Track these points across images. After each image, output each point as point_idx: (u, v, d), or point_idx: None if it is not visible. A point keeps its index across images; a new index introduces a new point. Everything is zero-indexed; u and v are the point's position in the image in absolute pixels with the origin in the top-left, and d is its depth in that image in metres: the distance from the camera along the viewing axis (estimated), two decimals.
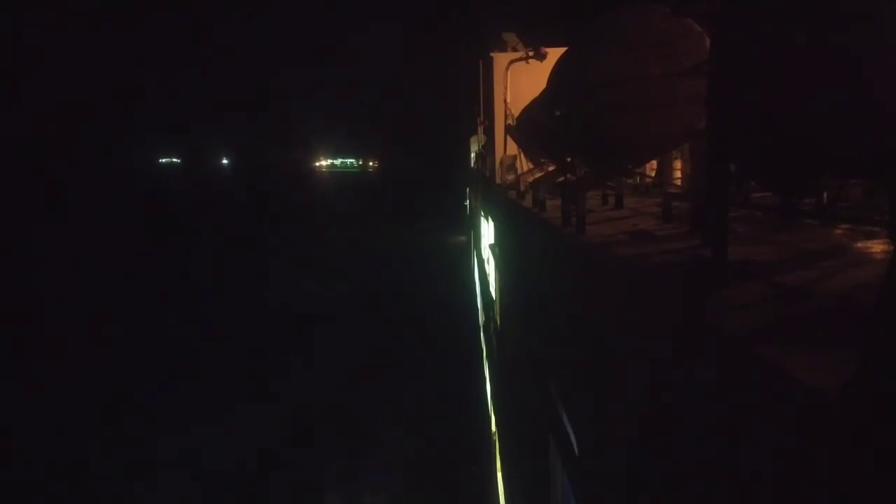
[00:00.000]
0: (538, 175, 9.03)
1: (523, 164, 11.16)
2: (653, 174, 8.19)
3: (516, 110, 10.71)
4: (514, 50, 13.53)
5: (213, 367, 28.87)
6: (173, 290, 43.34)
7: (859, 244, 3.45)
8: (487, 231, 18.35)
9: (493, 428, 15.59)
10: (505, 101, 12.40)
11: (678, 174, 7.41)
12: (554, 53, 11.54)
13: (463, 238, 48.19)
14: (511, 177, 11.30)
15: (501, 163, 12.70)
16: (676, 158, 7.40)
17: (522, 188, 9.10)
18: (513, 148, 11.60)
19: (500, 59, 13.34)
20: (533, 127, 8.30)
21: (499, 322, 14.95)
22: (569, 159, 7.31)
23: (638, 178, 8.25)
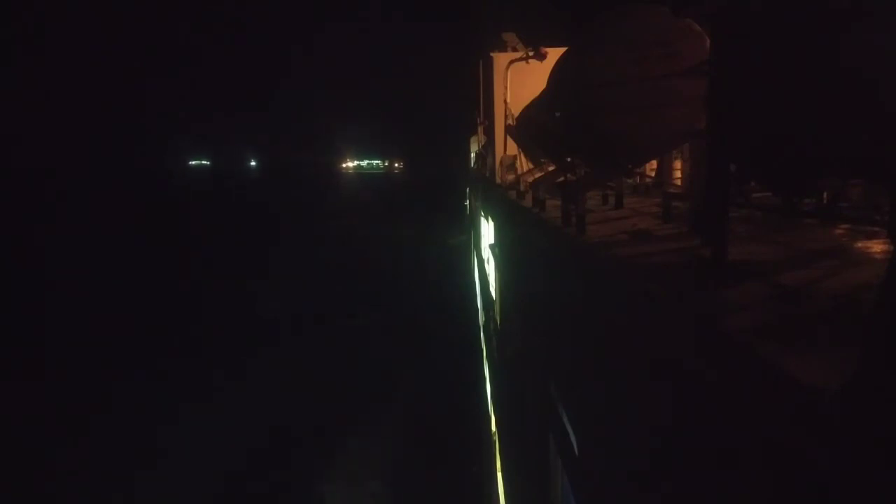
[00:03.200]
0: (538, 175, 9.02)
1: (523, 164, 11.15)
2: (653, 174, 8.19)
3: (516, 110, 10.70)
4: (514, 50, 13.53)
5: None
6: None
7: (859, 244, 3.45)
8: (487, 231, 18.35)
9: (493, 428, 15.59)
10: (505, 101, 12.40)
11: (678, 174, 7.41)
12: (554, 53, 11.53)
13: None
14: (511, 177, 11.29)
15: (501, 163, 12.69)
16: (676, 158, 7.39)
17: (522, 188, 9.10)
18: (513, 148, 11.59)
19: (500, 59, 13.33)
20: (533, 127, 8.30)
21: (499, 322, 14.95)
22: (569, 159, 7.31)
23: (638, 178, 8.25)
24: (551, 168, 8.71)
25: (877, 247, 3.27)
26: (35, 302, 39.04)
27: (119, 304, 39.80)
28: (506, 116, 12.26)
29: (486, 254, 18.88)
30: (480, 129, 19.31)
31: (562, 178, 7.51)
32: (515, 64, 12.79)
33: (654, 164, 8.10)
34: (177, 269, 50.57)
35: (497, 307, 15.63)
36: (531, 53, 12.48)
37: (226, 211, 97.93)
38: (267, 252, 60.18)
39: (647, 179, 8.22)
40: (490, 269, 18.29)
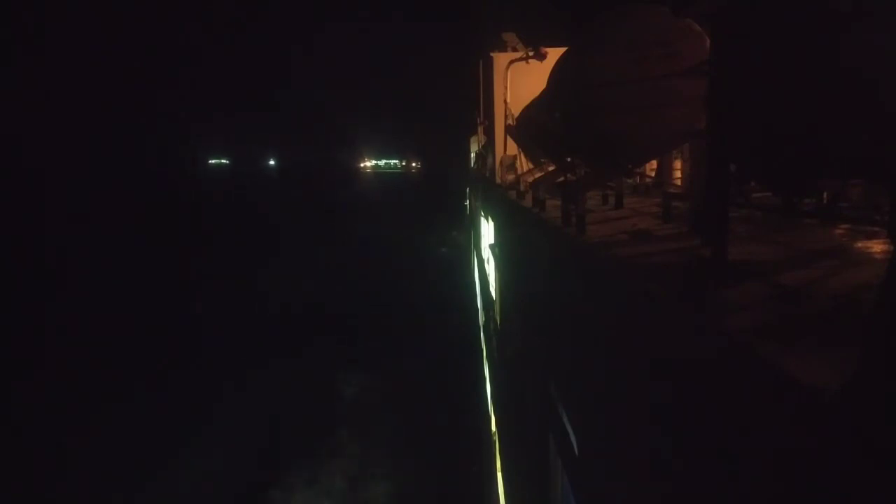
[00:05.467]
0: (538, 175, 9.02)
1: (523, 164, 11.15)
2: (653, 174, 8.19)
3: (516, 110, 10.70)
4: (514, 50, 13.53)
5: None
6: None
7: (859, 244, 3.45)
8: (487, 231, 18.35)
9: (493, 428, 15.59)
10: (505, 101, 12.40)
11: (678, 174, 7.41)
12: (554, 53, 11.54)
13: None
14: (511, 177, 11.29)
15: (501, 163, 12.69)
16: (676, 158, 7.39)
17: (522, 188, 9.10)
18: (513, 148, 11.59)
19: (500, 59, 13.33)
20: (533, 127, 8.30)
21: (499, 322, 14.95)
22: (569, 159, 7.31)
23: (638, 178, 8.25)
24: (551, 168, 8.71)
25: (877, 247, 3.27)
26: (44, 302, 38.98)
27: (120, 304, 39.77)
28: (506, 116, 12.26)
29: (486, 254, 18.87)
30: (480, 129, 19.30)
31: (562, 178, 7.51)
32: (515, 64, 12.79)
33: (654, 164, 8.10)
34: (188, 271, 50.48)
35: (497, 307, 15.63)
36: (531, 53, 12.48)
37: (238, 211, 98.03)
38: (279, 252, 60.27)
39: (647, 179, 8.22)
40: (490, 269, 18.29)
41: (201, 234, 69.50)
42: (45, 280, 44.73)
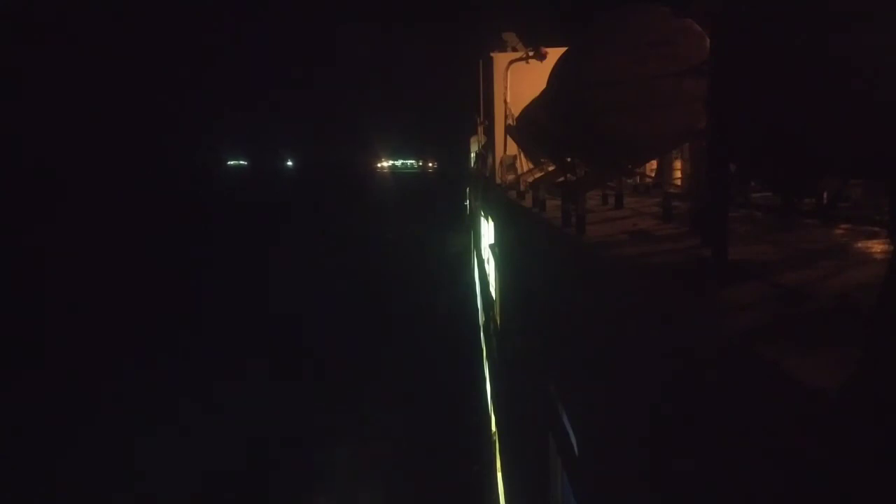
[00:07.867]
0: (538, 175, 9.02)
1: (523, 164, 11.15)
2: (653, 174, 8.19)
3: (516, 110, 10.70)
4: (514, 50, 13.52)
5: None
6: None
7: (859, 244, 3.45)
8: (487, 231, 18.34)
9: (493, 428, 15.59)
10: (505, 101, 12.39)
11: (678, 174, 7.41)
12: (554, 53, 11.52)
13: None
14: (511, 177, 11.29)
15: (501, 163, 12.69)
16: (676, 158, 7.39)
17: (522, 188, 9.09)
18: (513, 148, 11.59)
19: (500, 59, 13.32)
20: (533, 127, 8.29)
21: (499, 322, 14.95)
22: (569, 159, 7.31)
23: (638, 178, 8.25)
24: (551, 168, 8.71)
25: (877, 247, 3.27)
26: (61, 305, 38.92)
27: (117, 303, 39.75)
28: (506, 116, 12.25)
29: (486, 254, 18.87)
30: (480, 129, 19.31)
31: (562, 178, 7.51)
32: (515, 64, 12.78)
33: (654, 164, 8.10)
34: (195, 269, 50.44)
35: (497, 307, 15.62)
36: (531, 53, 12.46)
37: (237, 211, 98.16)
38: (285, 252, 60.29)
39: (647, 179, 8.22)
40: (490, 269, 18.29)
41: (193, 235, 69.44)
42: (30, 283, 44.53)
